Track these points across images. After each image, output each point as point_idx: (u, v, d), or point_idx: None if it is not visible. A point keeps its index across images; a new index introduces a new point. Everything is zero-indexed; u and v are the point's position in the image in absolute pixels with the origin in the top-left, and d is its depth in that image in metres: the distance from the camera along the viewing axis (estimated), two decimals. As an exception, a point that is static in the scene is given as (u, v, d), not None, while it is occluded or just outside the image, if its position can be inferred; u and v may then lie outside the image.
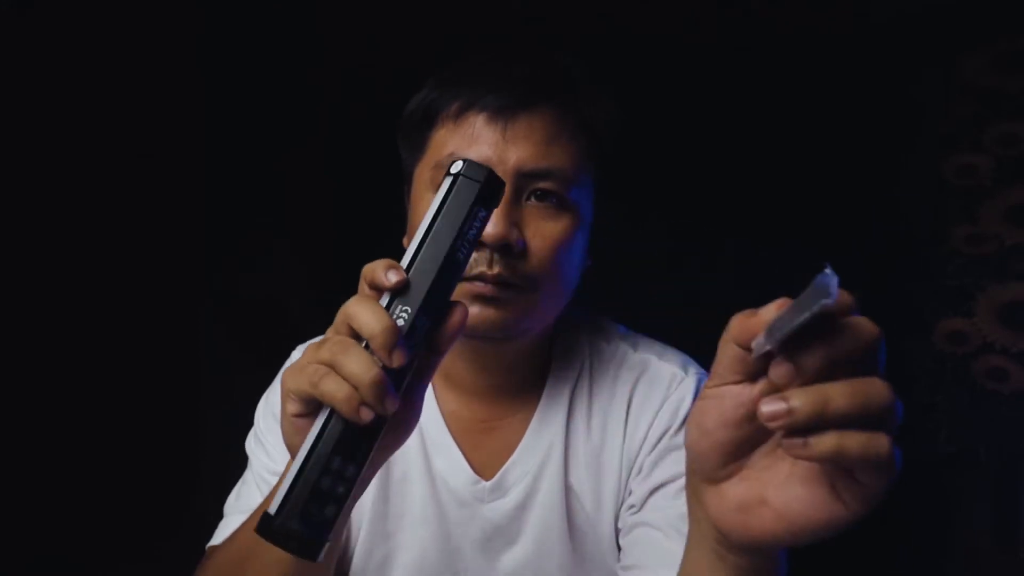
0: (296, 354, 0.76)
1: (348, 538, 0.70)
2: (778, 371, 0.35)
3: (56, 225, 1.29)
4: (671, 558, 0.57)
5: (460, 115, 0.62)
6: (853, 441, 0.33)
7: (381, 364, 0.41)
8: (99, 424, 1.35)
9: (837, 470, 0.36)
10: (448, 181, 0.45)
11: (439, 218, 0.44)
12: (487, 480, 0.68)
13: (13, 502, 1.22)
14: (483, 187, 0.45)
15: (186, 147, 1.56)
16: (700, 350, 0.76)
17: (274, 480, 0.65)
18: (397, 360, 0.41)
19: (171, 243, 1.51)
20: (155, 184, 1.46)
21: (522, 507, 0.67)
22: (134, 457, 1.40)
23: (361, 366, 0.40)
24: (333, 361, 0.41)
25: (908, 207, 1.60)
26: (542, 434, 0.68)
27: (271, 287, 1.64)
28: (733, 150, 1.62)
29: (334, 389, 0.40)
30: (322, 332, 0.79)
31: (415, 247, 0.44)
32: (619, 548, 0.67)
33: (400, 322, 0.42)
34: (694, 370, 0.71)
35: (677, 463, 0.65)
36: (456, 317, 0.45)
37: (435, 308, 0.44)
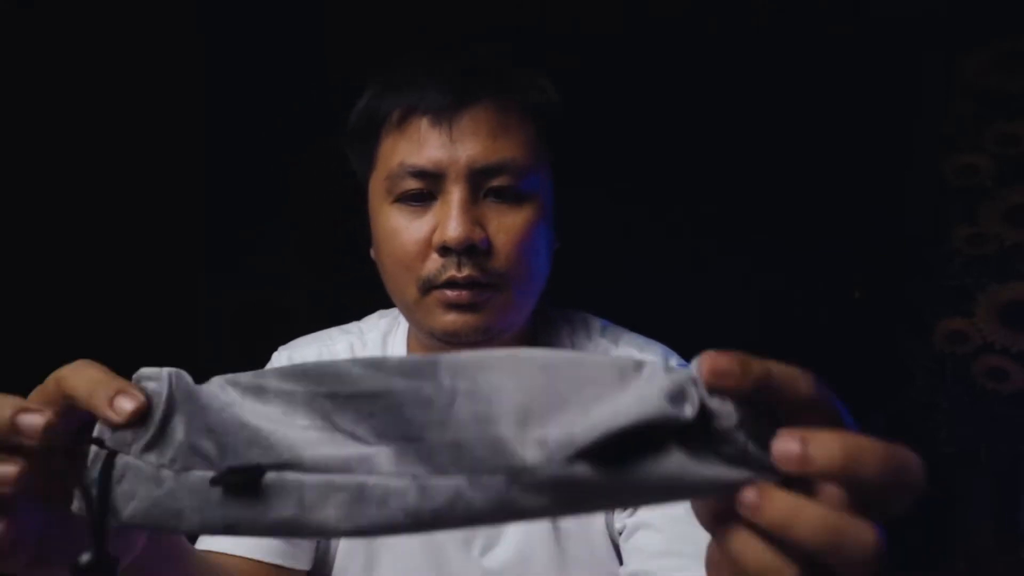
0: (277, 356, 0.75)
1: (328, 544, 0.70)
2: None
3: (56, 224, 1.29)
4: (674, 560, 0.57)
5: (403, 122, 0.61)
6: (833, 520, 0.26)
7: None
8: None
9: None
10: None
11: None
12: None
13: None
14: None
15: (186, 147, 1.56)
16: (700, 348, 0.76)
17: None
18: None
19: (171, 243, 1.51)
20: (155, 184, 1.46)
21: None
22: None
23: None
24: None
25: (908, 207, 1.60)
26: None
27: (271, 287, 1.64)
28: (733, 150, 1.61)
29: None
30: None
31: None
32: (616, 549, 0.66)
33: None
34: (675, 361, 0.70)
35: None
36: None
37: None
